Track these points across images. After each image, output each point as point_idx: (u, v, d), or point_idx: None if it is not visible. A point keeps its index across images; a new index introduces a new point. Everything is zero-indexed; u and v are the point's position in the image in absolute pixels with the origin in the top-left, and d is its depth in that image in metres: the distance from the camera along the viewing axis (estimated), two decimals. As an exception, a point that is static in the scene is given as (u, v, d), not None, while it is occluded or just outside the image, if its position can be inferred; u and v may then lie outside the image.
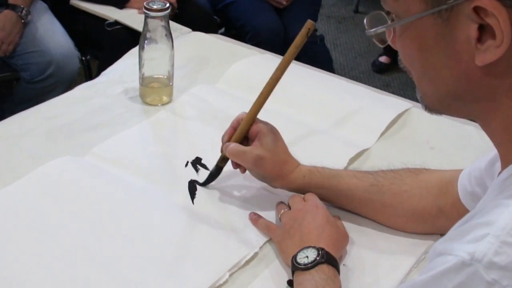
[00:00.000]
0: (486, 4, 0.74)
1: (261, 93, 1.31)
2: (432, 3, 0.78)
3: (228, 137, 1.32)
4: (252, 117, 1.31)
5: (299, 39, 1.28)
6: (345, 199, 1.30)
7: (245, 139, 1.32)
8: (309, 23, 1.27)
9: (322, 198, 1.30)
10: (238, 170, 1.35)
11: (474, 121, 0.89)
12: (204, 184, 1.37)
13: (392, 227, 1.29)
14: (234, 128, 1.32)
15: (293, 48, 1.29)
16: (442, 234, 1.24)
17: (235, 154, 1.29)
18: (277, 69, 1.31)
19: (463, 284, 0.73)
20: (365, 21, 0.92)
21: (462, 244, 0.75)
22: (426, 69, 0.85)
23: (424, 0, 0.79)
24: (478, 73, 0.79)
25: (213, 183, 1.37)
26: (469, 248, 0.73)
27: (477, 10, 0.75)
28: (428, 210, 1.24)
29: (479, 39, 0.77)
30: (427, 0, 0.79)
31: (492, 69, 0.78)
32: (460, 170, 1.21)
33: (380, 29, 0.89)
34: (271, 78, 1.31)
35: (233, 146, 1.29)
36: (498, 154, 0.88)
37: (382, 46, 0.92)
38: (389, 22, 0.87)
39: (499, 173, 0.86)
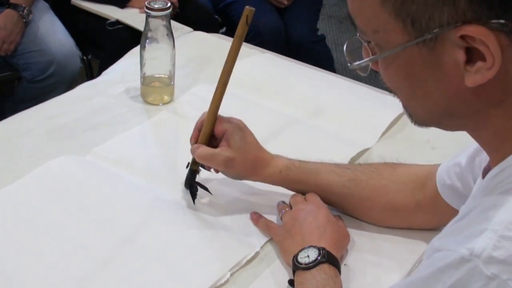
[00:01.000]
0: (473, 32, 0.72)
1: (216, 90, 1.28)
2: (416, 34, 0.76)
3: (194, 140, 1.29)
4: (212, 116, 1.28)
5: (240, 29, 1.23)
6: (323, 194, 1.29)
7: (213, 138, 1.29)
8: (247, 9, 1.21)
9: (300, 192, 1.30)
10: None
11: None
12: (189, 187, 1.33)
13: (370, 222, 1.29)
14: (199, 129, 1.30)
15: (236, 39, 1.25)
16: (435, 230, 1.25)
17: (204, 157, 1.27)
18: (226, 62, 1.27)
19: (463, 279, 0.73)
20: (344, 50, 0.89)
21: (461, 240, 0.75)
22: (415, 93, 0.83)
23: (406, 31, 0.76)
24: (469, 93, 0.77)
25: (213, 182, 1.37)
26: (468, 244, 0.73)
27: (464, 37, 0.73)
28: (405, 204, 1.25)
29: (467, 61, 0.75)
30: (409, 30, 0.76)
31: (484, 88, 0.76)
32: (438, 165, 1.21)
33: (364, 62, 0.86)
34: (222, 72, 1.27)
35: (201, 150, 1.27)
36: (477, 148, 0.88)
37: (364, 75, 0.90)
38: (370, 53, 0.84)
39: (483, 170, 0.87)
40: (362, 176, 1.27)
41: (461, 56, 0.74)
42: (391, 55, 0.80)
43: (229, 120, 1.29)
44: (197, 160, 1.28)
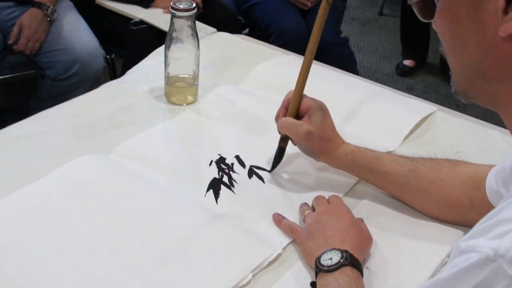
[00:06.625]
0: None
1: (302, 68, 1.36)
2: None
3: (282, 116, 1.38)
4: (299, 94, 1.36)
5: (321, 8, 1.31)
6: (383, 181, 1.35)
7: (296, 117, 1.38)
8: None
9: (362, 178, 1.37)
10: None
11: (495, 111, 0.90)
12: (272, 168, 1.44)
13: (426, 214, 1.32)
14: (285, 107, 1.39)
15: (318, 19, 1.32)
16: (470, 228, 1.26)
17: (287, 126, 1.36)
18: (309, 43, 1.35)
19: (486, 279, 0.74)
20: None
21: (486, 241, 0.76)
22: (455, 41, 0.87)
23: None
24: (501, 46, 0.81)
25: (237, 181, 1.39)
26: (493, 244, 0.74)
27: None
28: (460, 201, 1.26)
29: (505, 11, 0.79)
30: None
31: None
32: (493, 166, 1.22)
33: None
34: (306, 53, 1.35)
35: (285, 119, 1.36)
36: None
37: (424, 20, 0.95)
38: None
39: None
40: (422, 168, 1.30)
41: (501, 2, 0.79)
42: None
43: (313, 99, 1.38)
44: (280, 129, 1.39)
